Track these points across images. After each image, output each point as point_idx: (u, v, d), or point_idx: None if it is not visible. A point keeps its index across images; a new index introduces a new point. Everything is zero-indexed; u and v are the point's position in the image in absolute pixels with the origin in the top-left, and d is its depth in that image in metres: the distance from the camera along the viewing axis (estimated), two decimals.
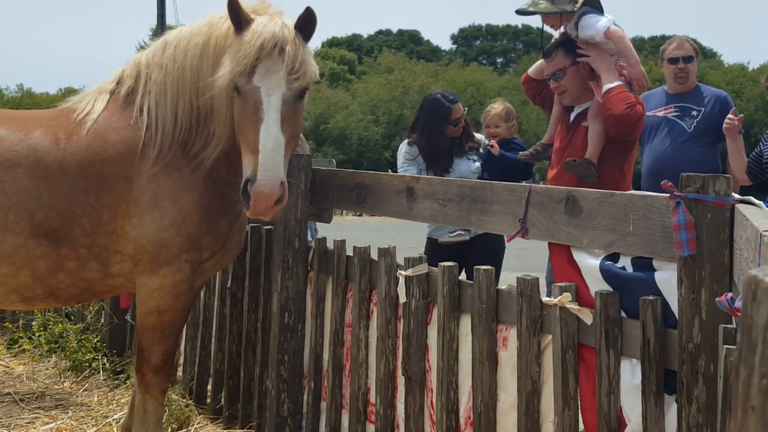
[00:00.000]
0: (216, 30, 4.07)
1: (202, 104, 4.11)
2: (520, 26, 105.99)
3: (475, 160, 6.34)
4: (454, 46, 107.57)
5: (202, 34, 4.12)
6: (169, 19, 28.14)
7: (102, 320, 6.85)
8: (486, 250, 5.97)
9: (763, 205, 2.71)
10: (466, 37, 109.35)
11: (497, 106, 6.55)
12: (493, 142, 6.27)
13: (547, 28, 5.17)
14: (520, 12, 5.05)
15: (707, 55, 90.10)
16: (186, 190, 4.10)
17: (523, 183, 4.56)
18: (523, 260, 12.30)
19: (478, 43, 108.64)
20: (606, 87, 4.64)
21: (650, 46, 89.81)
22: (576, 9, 4.80)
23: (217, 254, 4.33)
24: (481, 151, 6.38)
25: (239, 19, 3.83)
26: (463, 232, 6.04)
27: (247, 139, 3.77)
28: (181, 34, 4.23)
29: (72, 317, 7.24)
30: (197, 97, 4.11)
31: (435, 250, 6.12)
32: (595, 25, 4.72)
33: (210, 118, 4.12)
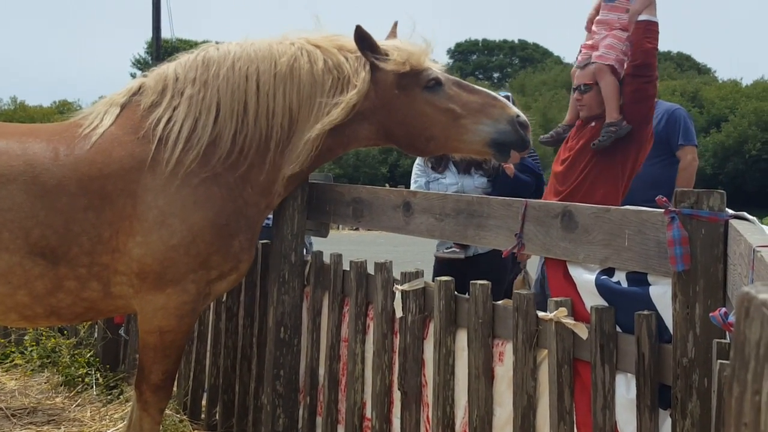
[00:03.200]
0: (296, 61, 4.25)
1: (266, 128, 4.21)
2: (516, 41, 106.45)
3: (481, 175, 6.35)
4: (451, 61, 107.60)
5: (268, 61, 4.25)
6: (165, 33, 28.16)
7: (95, 335, 6.82)
8: (490, 267, 5.98)
9: (757, 221, 2.72)
10: (462, 52, 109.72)
11: None
12: (509, 166, 6.22)
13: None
14: None
15: (701, 71, 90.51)
16: (199, 208, 4.04)
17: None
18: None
19: (475, 57, 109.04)
20: (645, 16, 4.64)
21: None
22: None
23: (226, 275, 4.27)
24: (485, 166, 6.36)
25: (374, 44, 4.26)
26: (458, 250, 6.06)
27: (473, 106, 4.23)
28: (230, 56, 4.28)
29: (65, 332, 7.21)
30: (267, 120, 4.20)
31: (442, 267, 6.18)
32: None
33: (280, 144, 4.23)
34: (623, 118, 4.64)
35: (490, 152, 4.28)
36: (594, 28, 4.97)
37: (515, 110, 4.26)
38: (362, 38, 4.21)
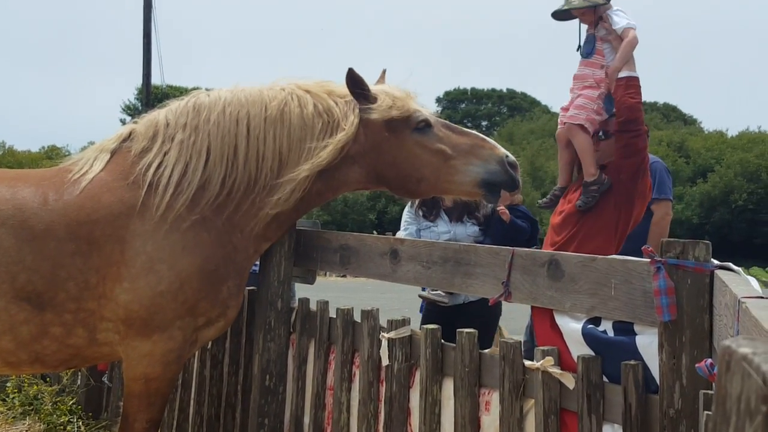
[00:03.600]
0: (286, 105, 4.28)
1: (255, 171, 4.22)
2: (504, 90, 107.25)
3: (473, 223, 6.36)
4: (440, 109, 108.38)
5: (258, 106, 4.28)
6: (155, 79, 28.25)
7: (78, 382, 6.75)
8: (479, 315, 5.97)
9: (742, 272, 2.73)
10: (451, 100, 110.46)
11: None
12: (503, 209, 6.25)
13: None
14: (555, 15, 5.07)
15: (687, 121, 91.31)
16: (187, 253, 4.02)
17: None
18: (507, 323, 12.28)
19: (463, 106, 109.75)
20: (626, 73, 4.68)
21: None
22: (607, 1, 4.85)
23: (214, 322, 4.24)
24: (477, 214, 6.37)
25: (365, 87, 4.32)
26: (443, 294, 6.07)
27: (463, 147, 4.27)
28: (221, 101, 4.31)
29: (47, 379, 7.12)
30: (256, 163, 4.21)
31: (431, 312, 6.18)
32: (622, 20, 4.78)
33: (266, 185, 4.22)
34: (601, 173, 4.67)
35: (480, 193, 4.29)
36: (572, 83, 5.03)
37: (504, 151, 4.30)
38: (354, 81, 4.25)
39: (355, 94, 4.29)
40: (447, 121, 4.46)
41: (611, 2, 4.89)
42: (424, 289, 6.25)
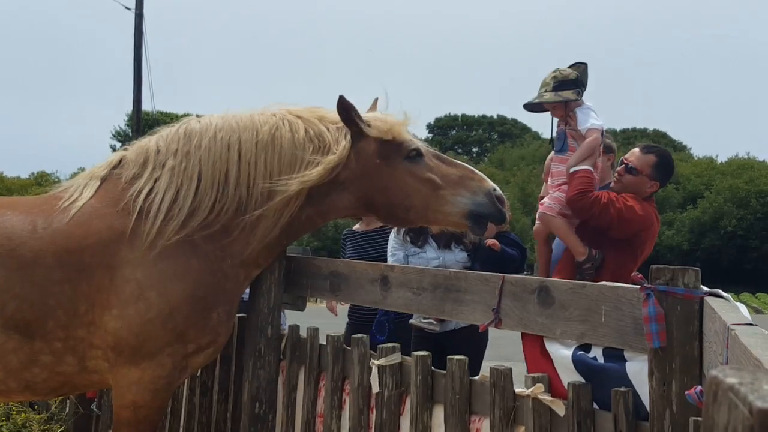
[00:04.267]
0: (278, 130, 4.30)
1: (246, 197, 4.23)
2: (495, 116, 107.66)
3: (461, 250, 6.35)
4: (431, 135, 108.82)
5: (250, 131, 4.29)
6: (145, 105, 28.23)
7: (67, 410, 6.70)
8: (468, 341, 5.96)
9: (731, 298, 2.74)
10: (442, 127, 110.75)
11: None
12: (493, 241, 6.22)
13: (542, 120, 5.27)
14: (527, 107, 5.14)
15: (677, 148, 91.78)
16: (177, 280, 4.01)
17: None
18: (497, 349, 12.23)
19: (454, 132, 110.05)
20: (573, 168, 4.74)
21: (622, 138, 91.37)
22: (579, 98, 4.91)
23: (204, 349, 4.21)
24: (464, 240, 6.37)
25: (357, 114, 4.31)
26: (434, 321, 6.06)
27: (452, 178, 4.30)
28: (212, 127, 4.32)
29: (36, 406, 7.08)
30: (247, 188, 4.21)
31: (421, 338, 6.16)
32: (588, 120, 4.83)
33: (259, 207, 4.21)
34: (590, 249, 4.74)
35: (467, 224, 4.31)
36: (548, 180, 5.13)
37: (492, 184, 4.33)
38: (345, 108, 4.26)
39: (346, 120, 4.30)
40: (437, 152, 4.50)
41: (583, 99, 4.97)
42: (413, 317, 6.24)
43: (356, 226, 6.54)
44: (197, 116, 4.51)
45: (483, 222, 4.30)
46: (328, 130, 4.35)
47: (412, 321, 6.21)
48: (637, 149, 5.10)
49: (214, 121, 4.35)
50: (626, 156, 5.11)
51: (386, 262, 5.98)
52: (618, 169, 5.12)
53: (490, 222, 4.34)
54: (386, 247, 6.49)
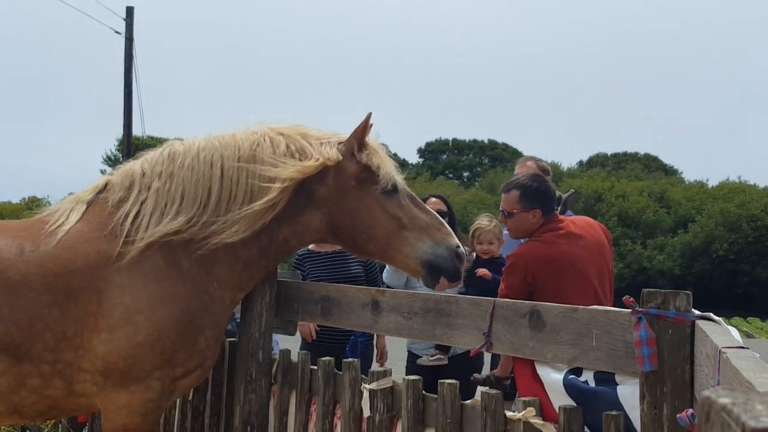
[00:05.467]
0: (259, 146, 4.33)
1: (226, 210, 4.23)
2: (486, 141, 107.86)
3: None
4: (421, 160, 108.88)
5: (232, 148, 4.33)
6: (136, 130, 28.26)
7: None
8: (463, 366, 5.93)
9: (722, 322, 2.74)
10: (432, 151, 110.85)
11: (488, 223, 6.37)
12: (483, 271, 6.19)
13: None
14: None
15: (668, 172, 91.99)
16: (165, 304, 4.00)
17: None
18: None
19: (445, 157, 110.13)
20: None
21: (613, 163, 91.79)
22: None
23: (191, 372, 4.20)
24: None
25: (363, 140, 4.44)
26: (442, 356, 6.03)
27: (419, 223, 4.37)
28: (195, 147, 4.35)
29: (27, 430, 7.03)
30: (227, 204, 4.23)
31: (413, 364, 6.15)
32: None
33: (232, 209, 4.23)
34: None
35: (422, 272, 4.37)
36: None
37: (457, 241, 4.40)
38: (366, 125, 4.41)
39: (360, 135, 4.42)
40: (413, 194, 4.57)
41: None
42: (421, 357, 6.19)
43: (311, 246, 6.49)
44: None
45: (437, 274, 4.33)
46: (310, 145, 4.39)
47: (420, 361, 6.15)
48: (502, 193, 5.17)
49: (197, 142, 4.40)
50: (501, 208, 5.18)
51: (354, 283, 5.89)
52: (501, 218, 5.21)
53: (444, 276, 4.35)
54: (353, 268, 6.45)
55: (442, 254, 4.31)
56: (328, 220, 4.42)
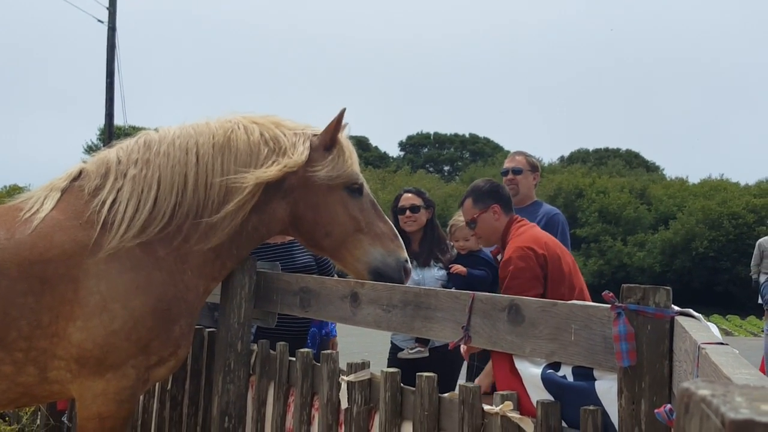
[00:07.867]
0: (233, 133, 4.39)
1: (203, 199, 4.27)
2: (467, 135, 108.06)
3: (440, 267, 6.32)
4: (402, 153, 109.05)
5: (206, 135, 4.37)
6: (117, 119, 28.04)
7: (38, 422, 6.63)
8: (442, 359, 5.93)
9: (702, 318, 2.75)
10: (413, 145, 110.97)
11: (463, 219, 6.39)
12: (457, 267, 6.19)
13: None
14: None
15: (650, 168, 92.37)
16: (141, 292, 3.99)
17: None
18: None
19: (426, 150, 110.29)
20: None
21: (594, 158, 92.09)
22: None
23: (166, 361, 4.18)
24: (441, 258, 6.33)
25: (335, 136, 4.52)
26: (422, 349, 6.02)
27: (376, 230, 4.52)
28: (170, 134, 4.38)
29: (6, 418, 7.00)
30: (204, 190, 4.27)
31: (395, 356, 6.15)
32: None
33: (215, 209, 4.26)
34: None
35: (367, 278, 4.45)
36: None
37: (406, 255, 4.55)
38: (339, 122, 4.47)
39: (333, 132, 4.48)
40: (375, 201, 4.68)
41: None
42: (403, 351, 6.18)
43: None
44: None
45: (380, 281, 4.36)
46: (284, 134, 4.46)
47: (400, 354, 6.13)
48: (459, 209, 5.30)
49: (172, 130, 4.43)
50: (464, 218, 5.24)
51: (307, 272, 5.84)
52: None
53: None
54: (306, 258, 6.39)
55: (391, 264, 4.46)
56: (291, 210, 4.48)
